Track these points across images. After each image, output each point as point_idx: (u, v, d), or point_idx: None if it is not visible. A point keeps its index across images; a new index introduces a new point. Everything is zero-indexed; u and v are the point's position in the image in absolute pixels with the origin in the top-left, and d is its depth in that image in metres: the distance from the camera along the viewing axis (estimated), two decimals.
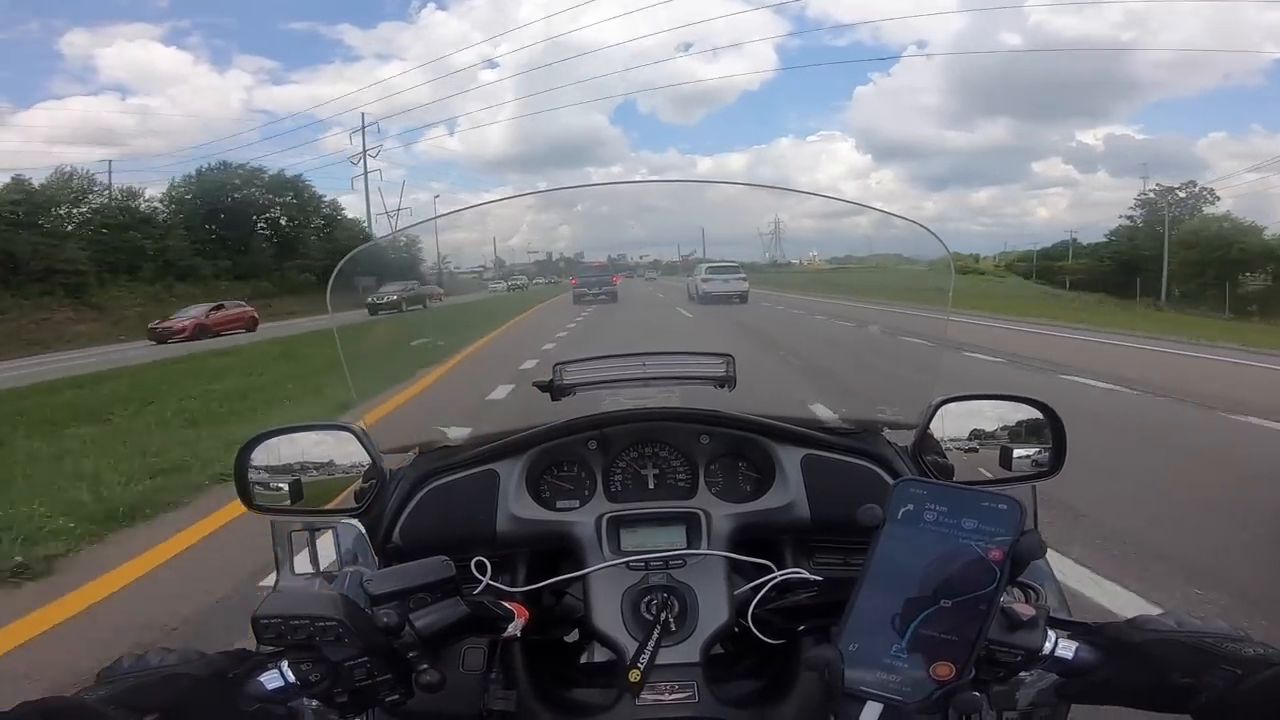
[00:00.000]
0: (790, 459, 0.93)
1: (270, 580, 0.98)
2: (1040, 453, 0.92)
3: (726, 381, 1.00)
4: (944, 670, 0.51)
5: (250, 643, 0.62)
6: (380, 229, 39.27)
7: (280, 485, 0.94)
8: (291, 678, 0.59)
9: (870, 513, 0.56)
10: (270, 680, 0.59)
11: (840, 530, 0.92)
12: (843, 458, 0.94)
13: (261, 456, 0.94)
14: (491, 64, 58.04)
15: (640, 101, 64.30)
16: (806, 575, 0.83)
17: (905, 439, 0.99)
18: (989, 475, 0.94)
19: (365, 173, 36.90)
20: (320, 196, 37.24)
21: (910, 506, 0.55)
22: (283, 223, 37.09)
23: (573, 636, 0.91)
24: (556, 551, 0.91)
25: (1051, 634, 0.54)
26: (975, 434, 0.96)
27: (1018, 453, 0.93)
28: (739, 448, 0.97)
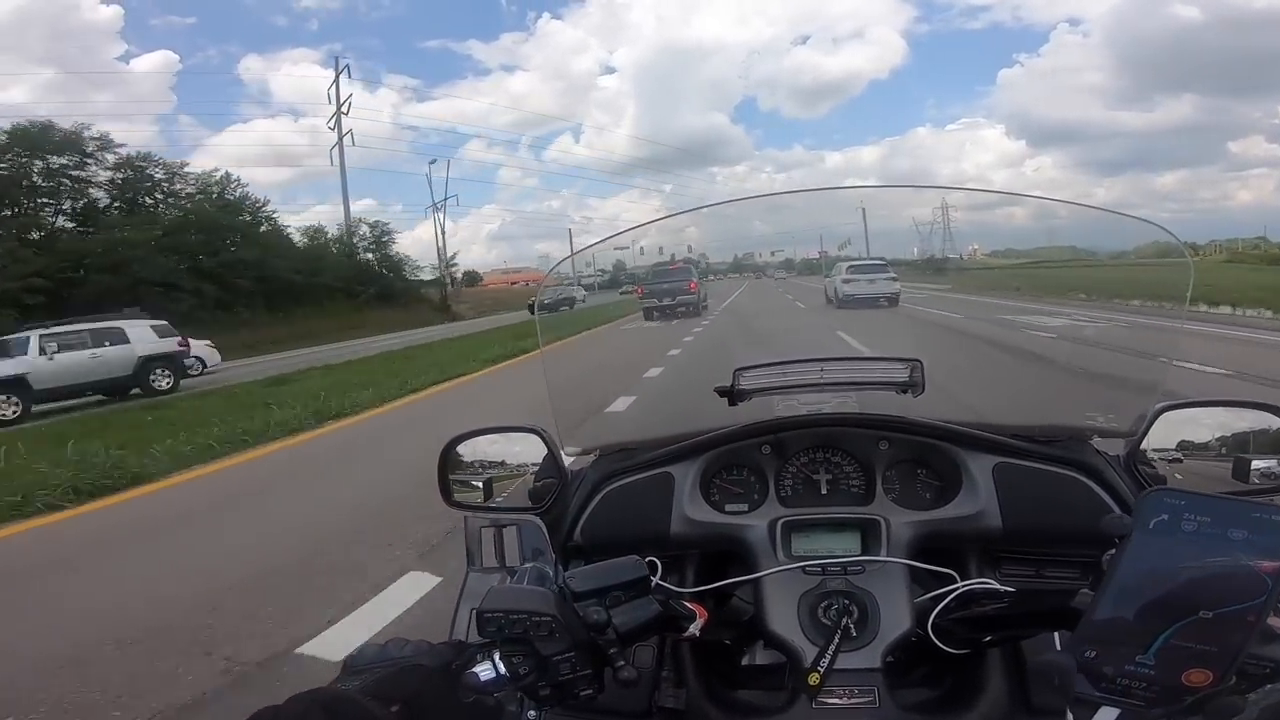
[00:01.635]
0: (980, 467, 0.89)
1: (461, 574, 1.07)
2: None
3: (911, 387, 0.96)
4: (1199, 677, 0.49)
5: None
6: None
7: (476, 483, 1.02)
8: (503, 670, 0.63)
9: (1117, 522, 0.53)
10: (484, 672, 0.64)
11: (1035, 541, 0.88)
12: (1043, 466, 0.89)
13: (459, 455, 1.03)
14: (609, 69, 59.86)
15: (761, 98, 63.14)
16: (996, 586, 0.79)
17: (1113, 448, 0.91)
18: (1185, 485, 0.86)
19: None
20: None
21: (1165, 516, 0.51)
22: None
23: (731, 639, 0.91)
24: (723, 555, 0.92)
25: None
26: (1184, 444, 0.88)
27: (1258, 464, 0.84)
28: (921, 454, 0.94)
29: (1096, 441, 0.94)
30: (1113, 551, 0.52)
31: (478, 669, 0.64)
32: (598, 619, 0.65)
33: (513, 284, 52.25)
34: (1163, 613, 0.50)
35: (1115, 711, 0.51)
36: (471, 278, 51.97)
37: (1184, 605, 0.49)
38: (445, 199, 40.67)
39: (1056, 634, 0.71)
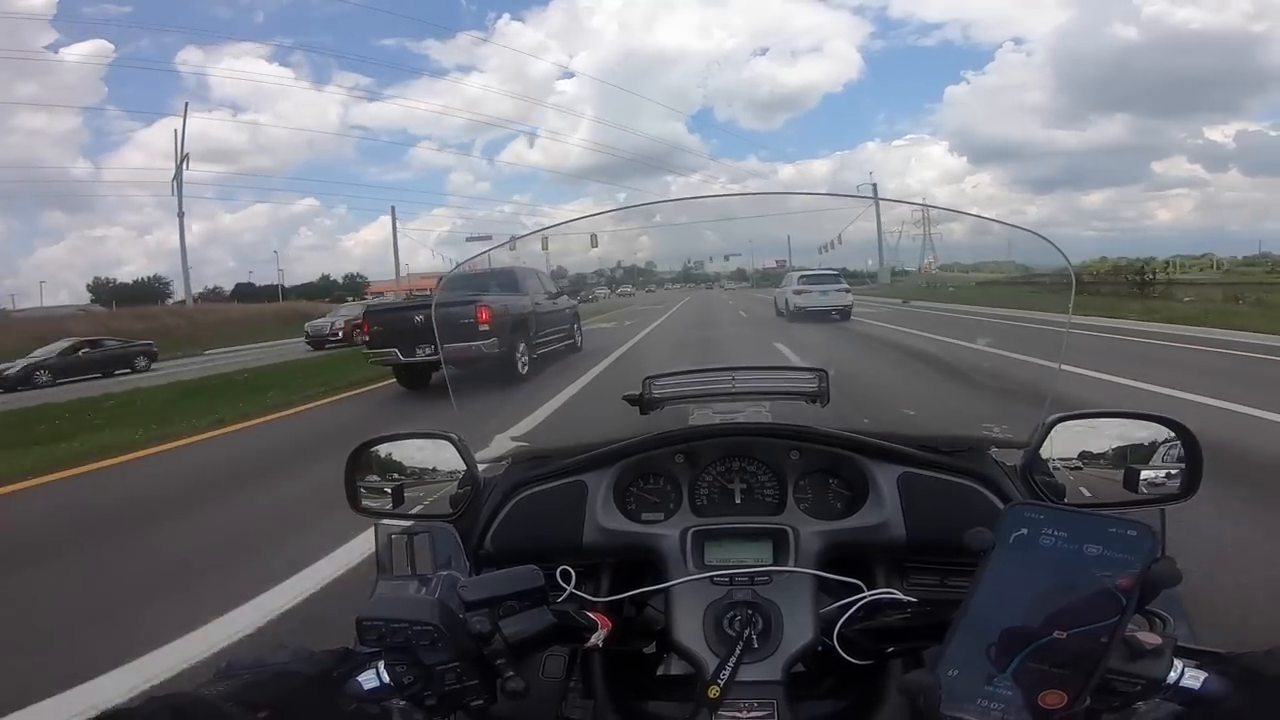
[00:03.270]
0: (886, 477, 0.90)
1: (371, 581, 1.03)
2: (1171, 474, 0.86)
3: (819, 397, 0.98)
4: (1054, 699, 0.49)
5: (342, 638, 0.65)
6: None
7: (385, 489, 0.99)
8: (386, 679, 0.62)
9: (979, 536, 0.53)
10: (367, 680, 0.62)
11: (938, 551, 0.89)
12: (944, 476, 0.91)
13: (368, 462, 0.99)
14: (568, 74, 59.54)
15: (718, 108, 63.98)
16: (899, 596, 0.80)
17: (1013, 458, 0.94)
18: (1090, 496, 0.88)
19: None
20: None
21: (1024, 531, 0.52)
22: None
23: (650, 649, 0.91)
24: (639, 563, 0.91)
25: (1178, 663, 0.52)
26: (1085, 454, 0.90)
27: (1146, 474, 0.87)
28: (831, 464, 0.95)
29: (995, 452, 0.97)
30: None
31: (361, 677, 0.63)
32: (480, 629, 0.64)
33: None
34: (1019, 633, 0.50)
35: None
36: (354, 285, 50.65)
37: (1039, 625, 0.50)
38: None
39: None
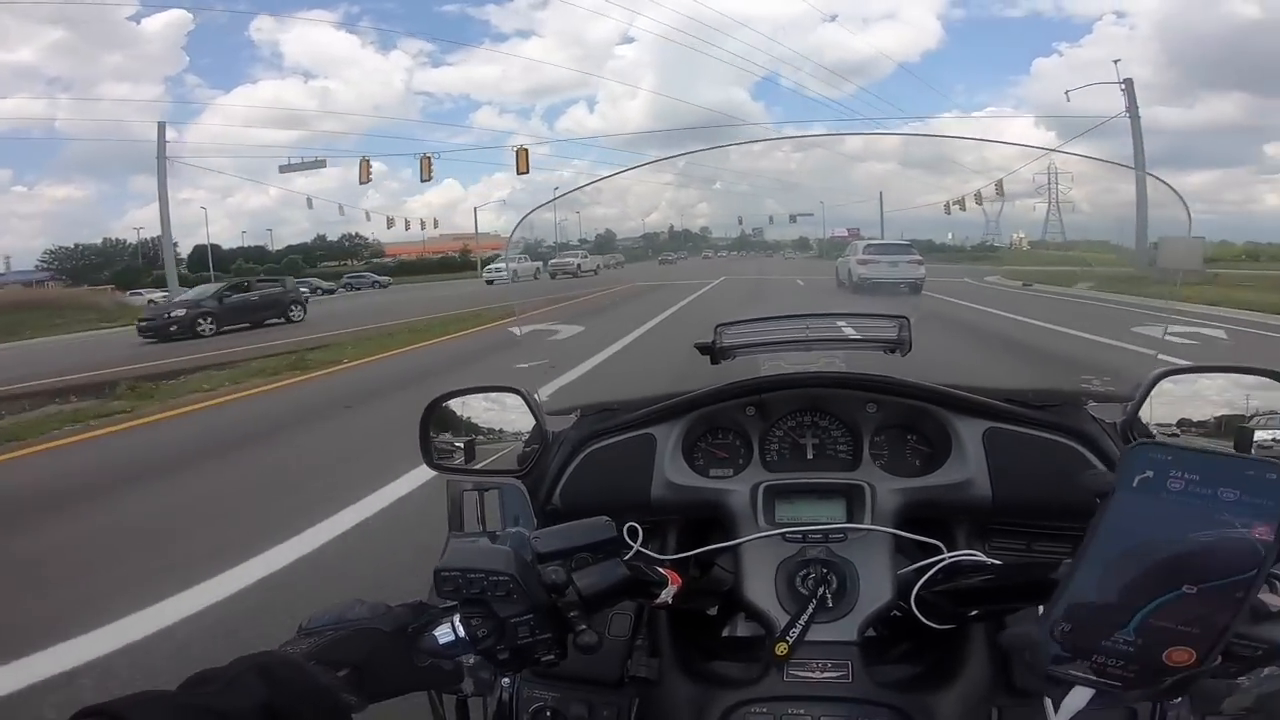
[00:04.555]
0: (970, 432, 0.85)
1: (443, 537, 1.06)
2: None
3: (899, 345, 0.93)
4: (1180, 656, 0.44)
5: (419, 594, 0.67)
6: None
7: (457, 444, 1.01)
8: (461, 632, 0.62)
9: (1098, 478, 0.48)
10: (443, 635, 0.63)
11: (1026, 513, 0.84)
12: (1036, 433, 0.85)
13: (441, 417, 1.01)
14: (628, 39, 58.91)
15: (783, 74, 61.72)
16: (982, 559, 0.76)
17: (1111, 415, 0.88)
18: None
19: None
20: None
21: (1150, 474, 0.46)
22: None
23: (714, 610, 0.90)
24: (707, 521, 0.89)
25: None
26: (1186, 419, 0.85)
27: (1260, 435, 0.80)
28: (910, 418, 0.91)
29: (1092, 407, 0.90)
30: None
31: (436, 631, 0.63)
32: (556, 580, 0.63)
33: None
34: (1144, 585, 0.45)
35: (1089, 692, 0.48)
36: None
37: (1167, 578, 0.45)
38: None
39: (1041, 609, 0.69)
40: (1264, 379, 0.81)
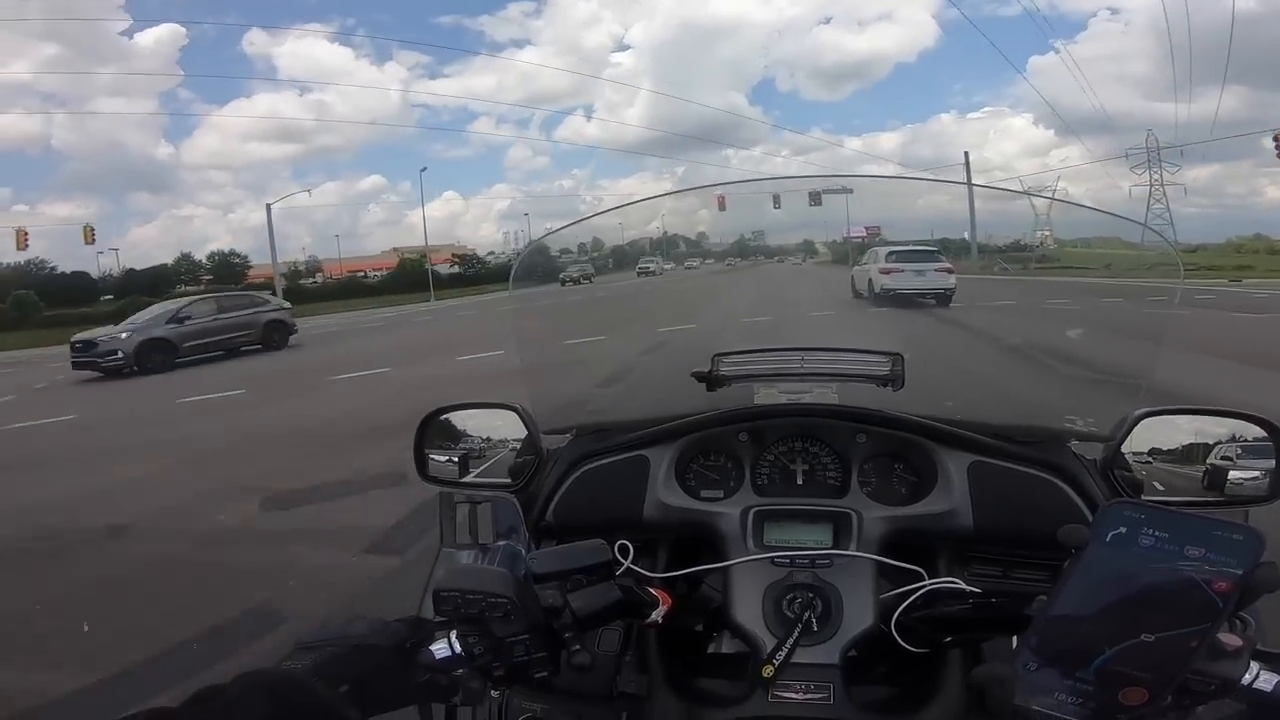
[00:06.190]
0: (956, 464, 0.88)
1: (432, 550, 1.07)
2: (1260, 476, 0.83)
3: (891, 381, 0.95)
4: (1135, 696, 0.49)
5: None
6: None
7: (452, 458, 1.02)
8: (458, 649, 0.63)
9: (1075, 533, 0.52)
10: (440, 650, 0.64)
11: (1006, 543, 0.87)
12: (1018, 467, 0.88)
13: (436, 430, 1.02)
14: (623, 46, 58.45)
15: (780, 79, 61.11)
16: (962, 586, 0.78)
17: (1092, 452, 0.91)
18: (1163, 491, 0.85)
19: None
20: None
21: (1123, 530, 0.50)
22: None
23: (700, 627, 0.91)
24: (696, 540, 0.91)
25: (1253, 665, 0.51)
26: (1163, 450, 0.87)
27: (1234, 474, 0.83)
28: (898, 449, 0.93)
29: (1075, 445, 0.93)
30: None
31: (433, 647, 0.64)
32: (553, 603, 0.65)
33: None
34: (1106, 631, 0.49)
35: None
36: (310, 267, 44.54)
37: (1129, 626, 0.49)
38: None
39: (1015, 638, 0.71)
40: (1240, 421, 0.84)
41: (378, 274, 45.19)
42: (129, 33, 46.19)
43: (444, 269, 44.12)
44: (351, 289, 41.68)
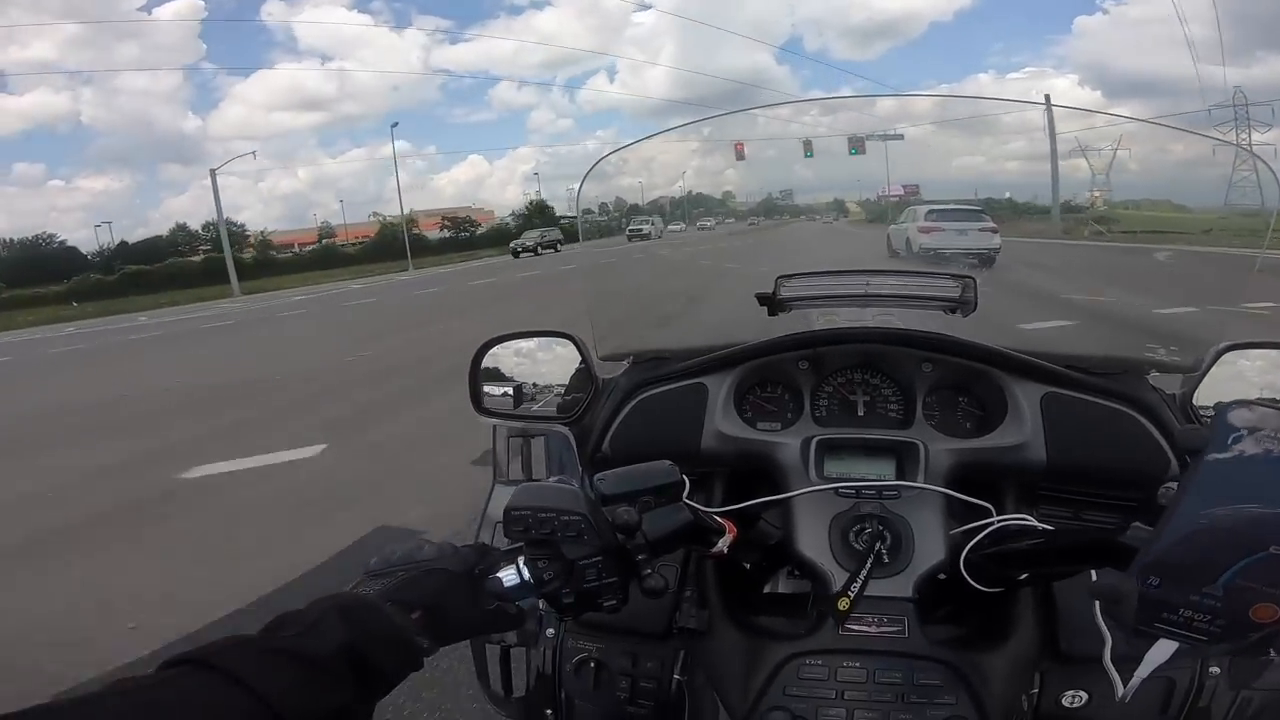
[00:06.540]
0: (1028, 396, 0.84)
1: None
2: None
3: (961, 305, 0.91)
4: (1266, 613, 0.45)
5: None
6: None
7: (506, 390, 1.01)
8: (527, 575, 0.62)
9: (1194, 435, 0.48)
10: (508, 577, 0.63)
11: (1080, 480, 0.84)
12: (1095, 399, 0.84)
13: (491, 361, 1.01)
14: (644, 5, 56.66)
15: (808, 37, 59.06)
16: (1034, 523, 0.75)
17: (1172, 385, 0.87)
18: None
19: None
20: None
21: (1243, 433, 0.46)
22: None
23: (751, 565, 0.90)
24: (751, 475, 0.89)
25: None
26: (1249, 390, 0.84)
27: None
28: (965, 379, 0.90)
29: (1154, 377, 0.89)
30: (1167, 486, 0.49)
31: (501, 574, 0.63)
32: (628, 520, 0.63)
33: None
34: (1233, 544, 0.45)
35: (1174, 646, 0.49)
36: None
37: (1257, 538, 0.45)
38: None
39: (1093, 574, 0.69)
40: None
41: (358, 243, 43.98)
42: (147, 8, 46.27)
43: (434, 235, 43.39)
44: (329, 259, 41.06)
